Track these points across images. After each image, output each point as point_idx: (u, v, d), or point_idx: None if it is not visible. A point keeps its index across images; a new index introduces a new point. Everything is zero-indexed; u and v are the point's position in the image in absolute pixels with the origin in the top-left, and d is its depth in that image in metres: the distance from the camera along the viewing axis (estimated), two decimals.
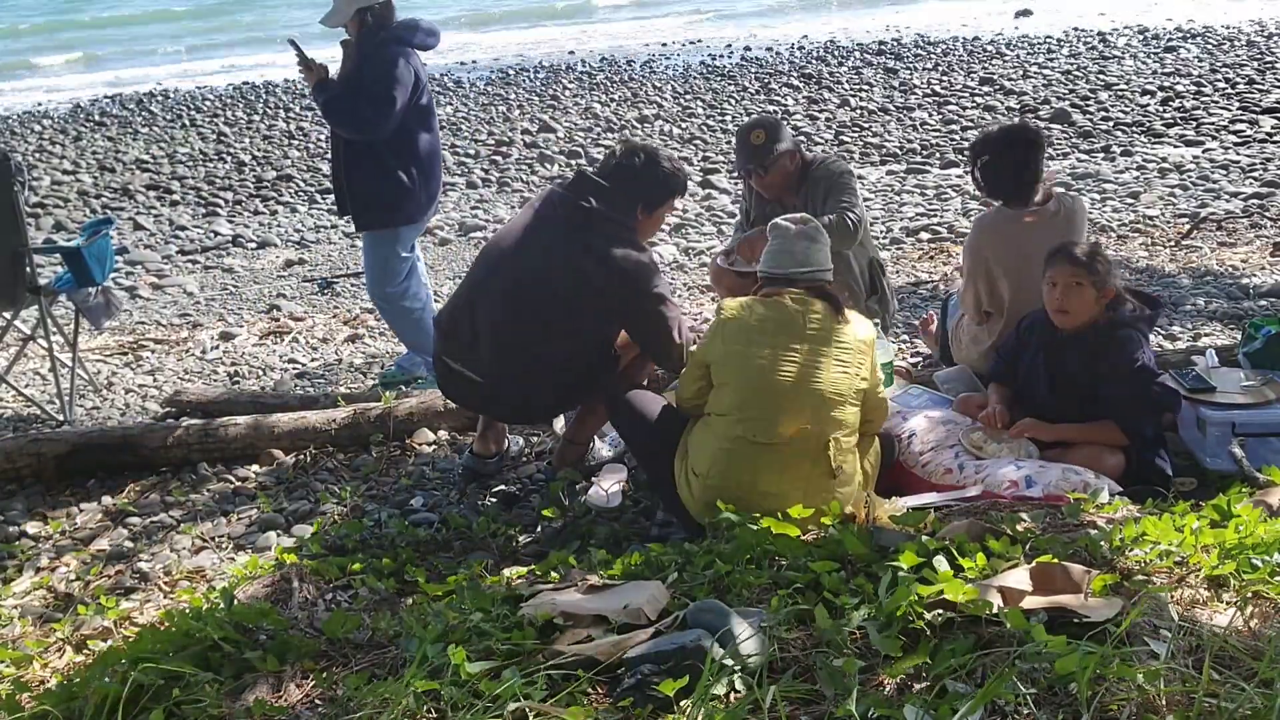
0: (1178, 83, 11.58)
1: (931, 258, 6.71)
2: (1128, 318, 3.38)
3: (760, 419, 2.96)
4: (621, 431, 3.51)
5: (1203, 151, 8.98)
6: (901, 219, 7.73)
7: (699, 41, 17.89)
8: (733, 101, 12.38)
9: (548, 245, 3.46)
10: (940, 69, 13.43)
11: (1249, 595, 1.90)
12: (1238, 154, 8.78)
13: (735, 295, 3.29)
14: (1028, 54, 14.10)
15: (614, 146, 3.71)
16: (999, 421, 3.45)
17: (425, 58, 4.80)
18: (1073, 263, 3.36)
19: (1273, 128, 9.50)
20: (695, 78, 14.01)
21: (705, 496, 2.99)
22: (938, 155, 9.57)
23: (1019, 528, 2.30)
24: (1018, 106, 11.08)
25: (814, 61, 14.67)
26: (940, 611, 1.84)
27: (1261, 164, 8.38)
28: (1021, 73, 12.81)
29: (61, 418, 4.78)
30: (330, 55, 4.87)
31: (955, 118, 10.85)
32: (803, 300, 3.07)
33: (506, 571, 2.94)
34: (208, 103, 14.24)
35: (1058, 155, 9.25)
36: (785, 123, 4.49)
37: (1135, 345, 3.35)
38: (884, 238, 7.22)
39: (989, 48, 14.77)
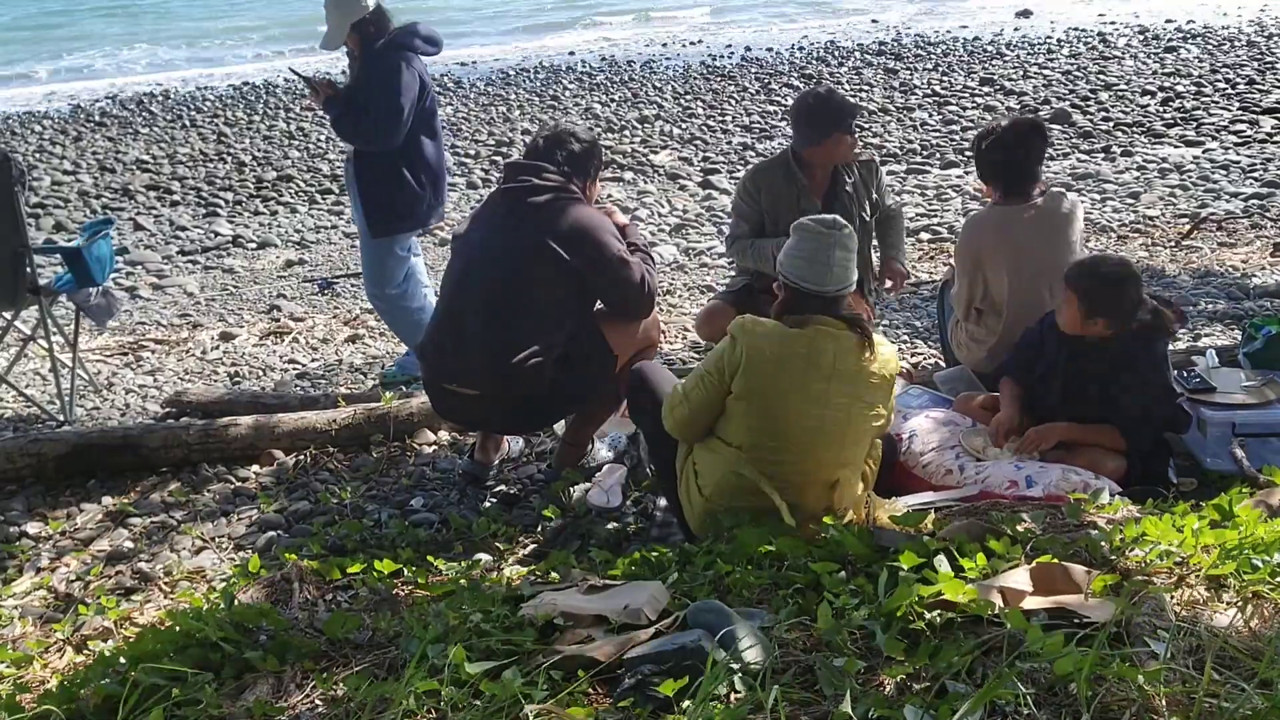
0: (1178, 83, 11.58)
1: (932, 258, 6.71)
2: (1156, 331, 3.34)
3: (771, 461, 2.83)
4: (637, 417, 3.40)
5: (1203, 152, 8.98)
6: None
7: (699, 42, 17.89)
8: (733, 101, 12.38)
9: (505, 236, 3.53)
10: (940, 69, 13.43)
11: (1249, 595, 1.90)
12: (1238, 154, 8.78)
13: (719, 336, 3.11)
14: (1028, 54, 14.10)
15: (537, 135, 3.77)
16: (1007, 429, 3.41)
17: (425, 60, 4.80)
18: (1073, 278, 3.35)
19: (1273, 128, 9.50)
20: (695, 78, 14.00)
21: (707, 518, 2.93)
22: (938, 155, 9.57)
23: (1019, 528, 2.30)
24: (1018, 106, 11.08)
25: (814, 62, 14.67)
26: (940, 612, 1.84)
27: (1261, 164, 8.38)
28: (1021, 73, 12.81)
29: (62, 418, 4.78)
30: (331, 61, 4.88)
31: (955, 118, 10.85)
32: (834, 335, 2.82)
33: (506, 571, 2.95)
34: (208, 103, 14.23)
35: (1058, 155, 9.25)
36: (782, 125, 4.49)
37: (1164, 361, 3.35)
38: None
39: (989, 48, 14.77)
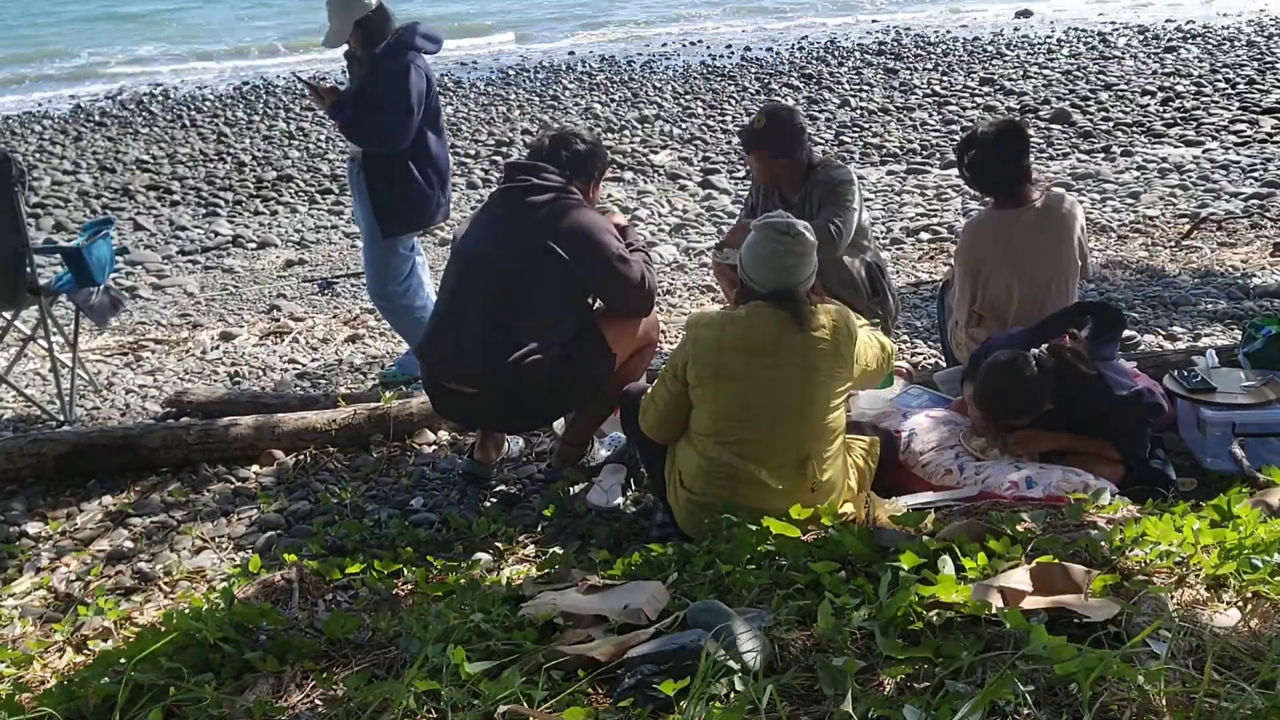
0: (1178, 83, 11.58)
1: (932, 258, 6.72)
2: (1086, 364, 3.27)
3: (737, 442, 2.92)
4: (629, 430, 3.48)
5: (1203, 152, 8.98)
6: (901, 219, 7.73)
7: (699, 42, 17.89)
8: (733, 101, 12.38)
9: (504, 236, 3.54)
10: (940, 69, 13.43)
11: (1249, 595, 1.90)
12: (1238, 154, 8.79)
13: (735, 287, 3.25)
14: (1028, 54, 14.11)
15: (540, 136, 3.78)
16: (993, 431, 3.42)
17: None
18: (1003, 415, 3.29)
19: (1273, 128, 9.50)
20: (695, 78, 14.01)
21: (690, 509, 2.99)
22: (938, 155, 9.57)
23: (1019, 528, 2.30)
24: (1018, 106, 11.08)
25: (814, 61, 14.67)
26: (940, 611, 1.83)
27: (1261, 164, 8.38)
28: (1021, 73, 12.82)
29: (62, 418, 4.78)
30: (334, 58, 4.87)
31: (955, 118, 10.85)
32: (771, 314, 2.94)
33: (506, 571, 2.94)
34: (208, 103, 14.23)
35: (1058, 155, 9.26)
36: (799, 121, 4.40)
37: (1102, 386, 3.28)
38: (884, 238, 7.22)
39: (989, 48, 14.77)
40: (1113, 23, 16.23)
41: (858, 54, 14.97)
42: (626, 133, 11.12)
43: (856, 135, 10.46)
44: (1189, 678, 1.57)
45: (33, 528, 3.74)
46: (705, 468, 2.96)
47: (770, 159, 4.23)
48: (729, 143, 10.41)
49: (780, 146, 4.19)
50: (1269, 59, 12.46)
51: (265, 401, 4.64)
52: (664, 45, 17.76)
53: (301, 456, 4.12)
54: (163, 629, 2.22)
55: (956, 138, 10.04)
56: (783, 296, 2.96)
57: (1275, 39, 13.69)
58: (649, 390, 3.17)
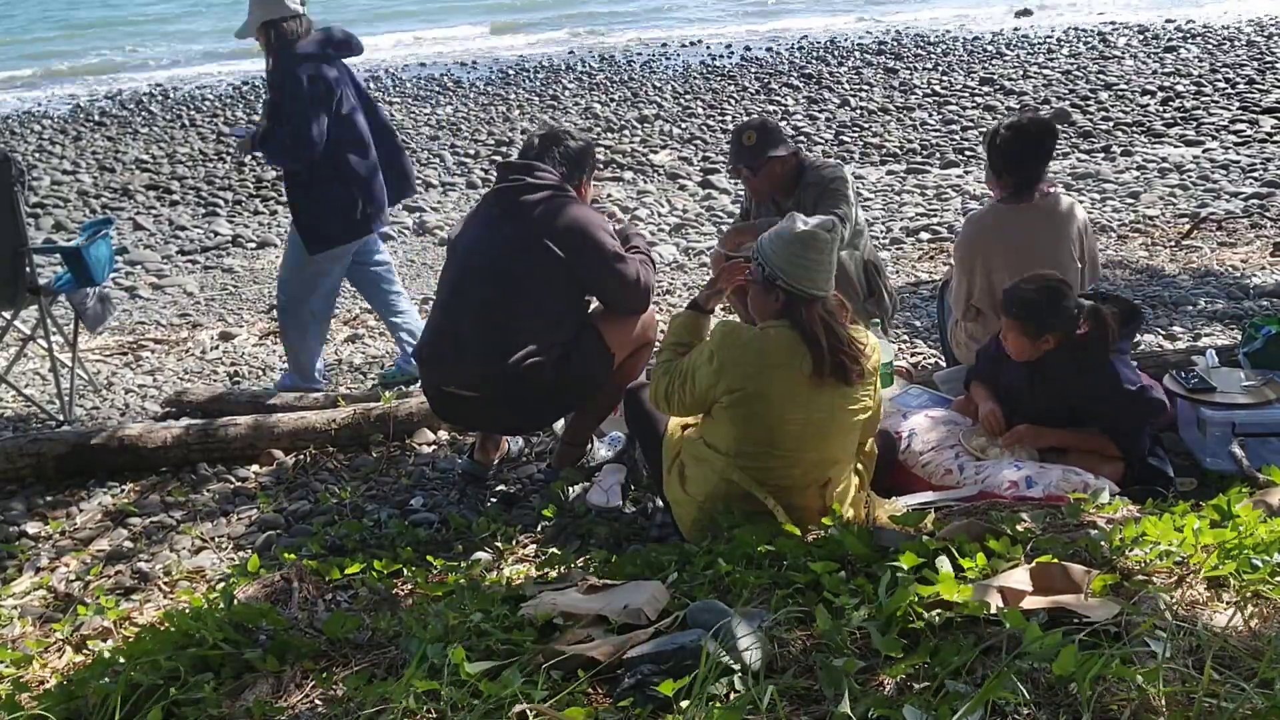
0: (1178, 83, 11.58)
1: (931, 258, 6.71)
2: (1101, 344, 3.30)
3: (759, 468, 2.85)
4: (632, 427, 3.47)
5: (1203, 151, 8.98)
6: (901, 219, 7.73)
7: (699, 42, 17.89)
8: (733, 101, 12.38)
9: (499, 236, 3.53)
10: (940, 69, 13.43)
11: (1249, 595, 1.90)
12: (1238, 154, 8.79)
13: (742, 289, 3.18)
14: (1028, 54, 14.10)
15: (530, 135, 3.78)
16: (998, 423, 3.43)
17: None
18: (1007, 307, 3.34)
19: (1273, 128, 9.50)
20: (695, 78, 14.00)
21: (701, 521, 2.94)
22: (938, 155, 9.57)
23: (1019, 528, 2.30)
24: (1018, 106, 11.08)
25: (814, 61, 14.67)
26: (940, 611, 1.83)
27: (1261, 164, 8.38)
28: (1021, 73, 12.82)
29: (61, 418, 4.78)
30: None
31: (955, 118, 10.85)
32: None
33: (507, 571, 2.95)
34: (207, 103, 14.24)
35: (1058, 155, 9.25)
36: (784, 125, 4.39)
37: (1112, 375, 3.29)
38: (884, 238, 7.23)
39: (989, 48, 14.77)
40: (1113, 23, 16.23)
41: (858, 54, 14.97)
42: (626, 132, 11.11)
43: (856, 135, 10.45)
44: (1188, 677, 1.57)
45: (33, 528, 3.74)
46: (723, 490, 2.88)
47: (766, 173, 4.19)
48: (729, 143, 10.40)
49: (776, 157, 4.16)
50: (1269, 59, 12.46)
51: (265, 401, 4.64)
52: (664, 45, 17.76)
53: (301, 456, 4.12)
54: (162, 629, 2.22)
55: (956, 137, 10.05)
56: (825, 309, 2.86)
57: (1275, 39, 13.69)
58: (660, 366, 3.05)
